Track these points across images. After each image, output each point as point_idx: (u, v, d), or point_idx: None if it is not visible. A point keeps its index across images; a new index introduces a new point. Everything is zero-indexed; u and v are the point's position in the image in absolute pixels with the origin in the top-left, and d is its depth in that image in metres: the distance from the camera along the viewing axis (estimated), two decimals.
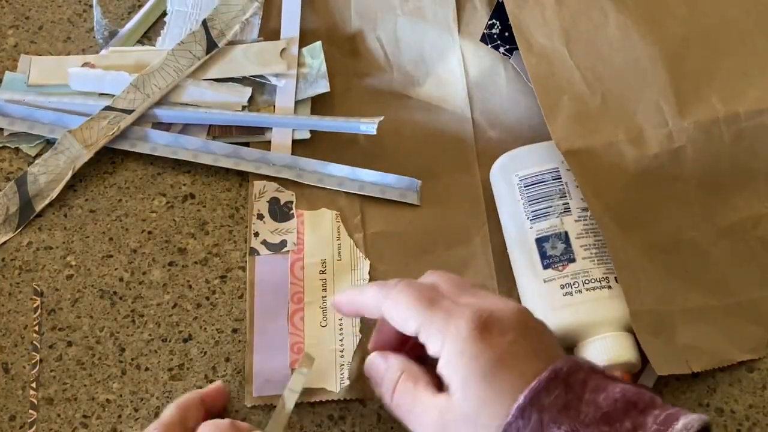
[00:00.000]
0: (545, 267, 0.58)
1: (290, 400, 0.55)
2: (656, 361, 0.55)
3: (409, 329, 0.49)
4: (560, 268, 0.57)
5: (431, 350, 0.48)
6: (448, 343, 0.47)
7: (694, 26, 0.63)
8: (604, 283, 0.56)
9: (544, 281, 0.58)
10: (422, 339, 0.48)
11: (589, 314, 0.56)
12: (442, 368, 0.47)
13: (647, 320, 0.56)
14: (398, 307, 0.50)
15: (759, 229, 0.60)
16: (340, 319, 0.61)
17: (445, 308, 0.48)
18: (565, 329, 0.56)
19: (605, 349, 0.55)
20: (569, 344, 0.57)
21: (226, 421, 0.52)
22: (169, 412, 0.53)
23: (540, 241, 0.59)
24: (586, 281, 0.57)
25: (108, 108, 0.67)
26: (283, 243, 0.64)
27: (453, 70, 0.71)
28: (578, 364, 0.46)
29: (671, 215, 0.59)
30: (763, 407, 0.58)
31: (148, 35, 0.74)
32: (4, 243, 0.64)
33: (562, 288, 0.57)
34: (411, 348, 0.53)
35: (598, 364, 0.47)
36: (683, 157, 0.59)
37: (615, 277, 0.56)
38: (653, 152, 0.59)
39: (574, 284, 0.57)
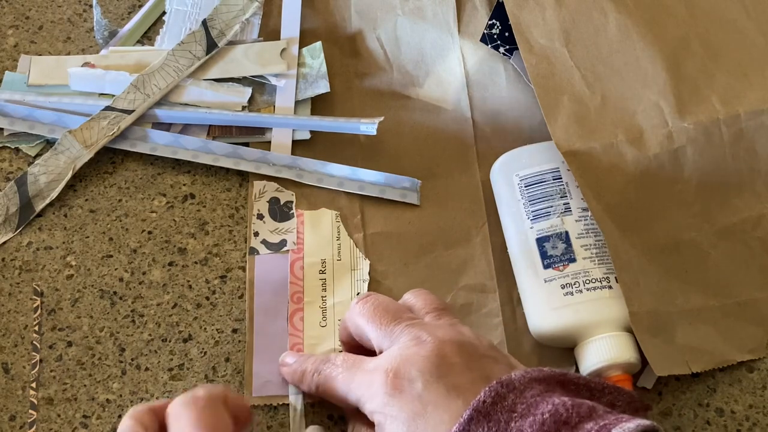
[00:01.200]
0: (546, 267, 0.58)
1: (298, 401, 0.56)
2: (655, 361, 0.55)
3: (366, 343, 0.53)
4: (561, 268, 0.57)
5: (370, 419, 0.50)
6: (375, 414, 0.48)
7: (694, 27, 0.63)
8: (604, 283, 0.56)
9: (545, 281, 0.58)
10: (360, 407, 0.50)
11: (589, 314, 0.56)
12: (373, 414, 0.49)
13: (647, 321, 0.56)
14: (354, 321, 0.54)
15: (759, 230, 0.60)
16: (340, 320, 0.61)
17: (362, 376, 0.50)
18: (565, 329, 0.56)
19: (605, 349, 0.55)
20: (569, 344, 0.57)
21: (219, 388, 0.51)
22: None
23: (540, 241, 0.59)
24: (587, 281, 0.57)
25: (108, 108, 0.67)
26: (283, 243, 0.64)
27: (453, 70, 0.71)
28: (508, 385, 0.45)
29: (671, 216, 0.59)
30: (763, 407, 0.58)
31: (148, 35, 0.74)
32: (4, 243, 0.64)
33: (562, 288, 0.57)
34: None
35: (588, 373, 0.48)
36: (683, 158, 0.59)
37: (615, 277, 0.56)
38: (653, 153, 0.59)
39: (574, 284, 0.57)
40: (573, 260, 0.57)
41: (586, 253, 0.57)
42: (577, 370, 0.57)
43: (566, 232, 0.58)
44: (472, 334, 0.51)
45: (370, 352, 0.53)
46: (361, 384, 0.50)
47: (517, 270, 0.60)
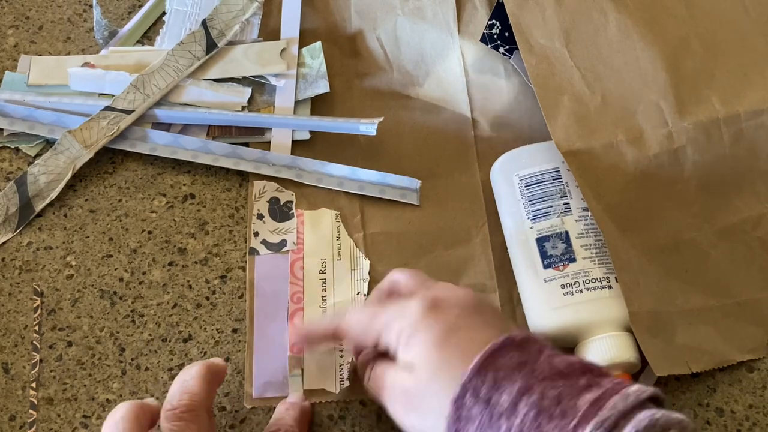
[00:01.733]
0: (546, 267, 0.58)
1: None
2: (655, 361, 0.55)
3: (370, 340, 0.52)
4: (561, 267, 0.57)
5: (391, 347, 0.50)
6: (403, 329, 0.49)
7: (694, 27, 0.63)
8: (604, 283, 0.56)
9: (545, 281, 0.58)
10: (384, 342, 0.51)
11: (589, 314, 0.56)
12: (401, 353, 0.49)
13: (646, 321, 0.56)
14: (355, 324, 0.53)
15: (759, 230, 0.61)
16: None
17: (396, 306, 0.51)
18: (565, 329, 0.56)
19: (605, 348, 0.55)
20: (569, 344, 0.57)
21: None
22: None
23: (540, 241, 0.59)
24: (587, 281, 0.57)
25: (108, 108, 0.67)
26: (283, 243, 0.64)
27: (453, 70, 0.71)
28: (533, 336, 0.48)
29: (671, 216, 0.59)
30: (763, 407, 0.58)
31: (148, 35, 0.74)
32: (4, 243, 0.64)
33: (562, 288, 0.57)
34: None
35: (597, 362, 0.48)
36: (683, 158, 0.59)
37: (615, 277, 0.56)
38: (653, 153, 0.59)
39: (574, 284, 0.57)
40: (573, 260, 0.57)
41: (586, 253, 0.57)
42: None
43: (566, 232, 0.58)
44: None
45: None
46: (392, 311, 0.51)
47: (517, 270, 0.60)
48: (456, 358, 0.46)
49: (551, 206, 0.59)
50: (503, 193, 0.62)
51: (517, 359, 0.45)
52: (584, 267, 0.57)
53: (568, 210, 0.59)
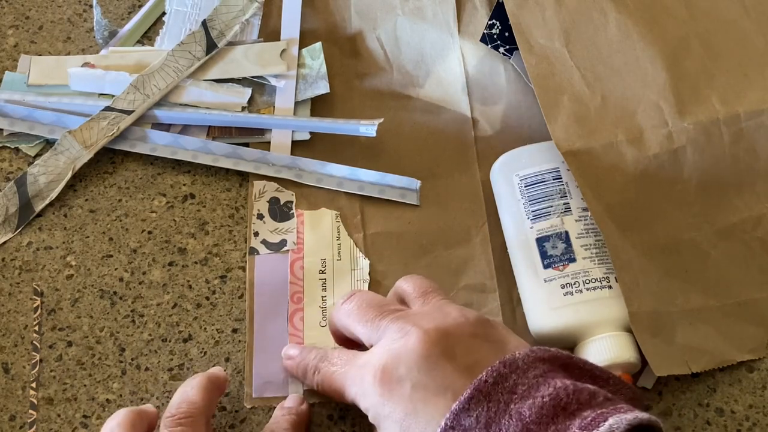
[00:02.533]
0: (546, 267, 0.58)
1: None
2: (655, 361, 0.55)
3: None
4: (561, 267, 0.57)
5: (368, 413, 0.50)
6: (365, 398, 0.49)
7: (694, 27, 0.63)
8: (604, 283, 0.56)
9: (545, 281, 0.58)
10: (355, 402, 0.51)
11: (589, 314, 0.56)
12: (368, 411, 0.49)
13: (646, 321, 0.56)
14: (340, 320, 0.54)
15: (759, 230, 0.60)
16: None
17: (356, 368, 0.51)
18: (565, 329, 0.56)
19: (605, 349, 0.55)
20: (569, 344, 0.57)
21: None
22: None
23: (540, 241, 0.59)
24: (587, 281, 0.57)
25: (108, 108, 0.67)
26: (283, 243, 0.64)
27: (453, 70, 0.71)
28: (511, 364, 0.45)
29: (671, 216, 0.59)
30: (763, 407, 0.58)
31: (148, 35, 0.74)
32: (4, 243, 0.64)
33: (562, 288, 0.57)
34: None
35: (561, 351, 0.47)
36: (683, 158, 0.59)
37: (615, 277, 0.56)
38: (653, 153, 0.59)
39: (574, 284, 0.57)
40: (573, 260, 0.57)
41: (586, 253, 0.57)
42: None
43: (566, 232, 0.58)
44: (459, 313, 0.50)
45: (365, 347, 0.53)
46: (354, 381, 0.50)
47: (517, 270, 0.60)
48: None
49: (551, 206, 0.59)
50: (503, 193, 0.62)
51: (484, 416, 0.44)
52: (584, 267, 0.57)
53: (568, 210, 0.59)
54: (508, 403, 0.44)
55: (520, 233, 0.60)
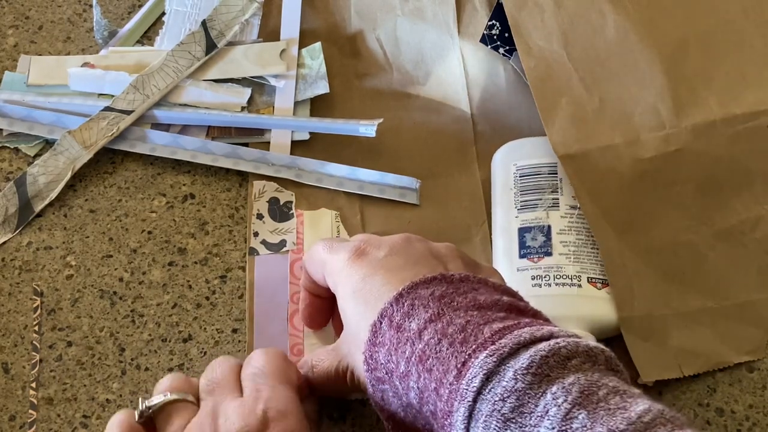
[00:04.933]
0: (521, 256, 0.58)
1: None
2: (643, 366, 0.56)
3: (319, 280, 0.53)
4: (536, 259, 0.58)
5: (337, 295, 0.50)
6: (335, 277, 0.49)
7: (692, 29, 0.63)
8: (574, 281, 0.57)
9: (517, 270, 0.58)
10: (331, 288, 0.51)
11: (553, 308, 0.56)
12: (339, 305, 0.50)
13: (638, 325, 0.56)
14: (311, 262, 0.53)
15: (757, 231, 0.60)
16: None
17: (339, 249, 0.51)
18: None
19: None
20: None
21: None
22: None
23: (522, 231, 0.59)
24: (558, 276, 0.57)
25: (107, 108, 0.67)
26: (283, 243, 0.64)
27: (453, 71, 0.71)
28: (483, 282, 0.46)
29: (668, 218, 0.59)
30: (763, 407, 0.58)
31: (148, 35, 0.74)
32: (4, 243, 0.64)
33: (532, 279, 0.57)
34: None
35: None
36: (680, 160, 0.59)
37: (588, 278, 0.57)
38: (650, 155, 0.59)
39: (545, 277, 0.57)
40: (549, 254, 0.58)
41: (563, 250, 0.58)
42: None
43: (549, 226, 0.59)
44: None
45: (329, 303, 0.55)
46: (335, 254, 0.51)
47: (495, 257, 0.61)
48: (372, 301, 0.46)
49: (540, 199, 0.60)
50: (499, 180, 0.63)
51: (440, 292, 0.45)
52: (558, 262, 0.57)
53: (555, 205, 0.59)
54: (467, 291, 0.45)
55: (505, 220, 0.61)
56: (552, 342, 0.40)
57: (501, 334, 0.41)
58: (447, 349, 0.42)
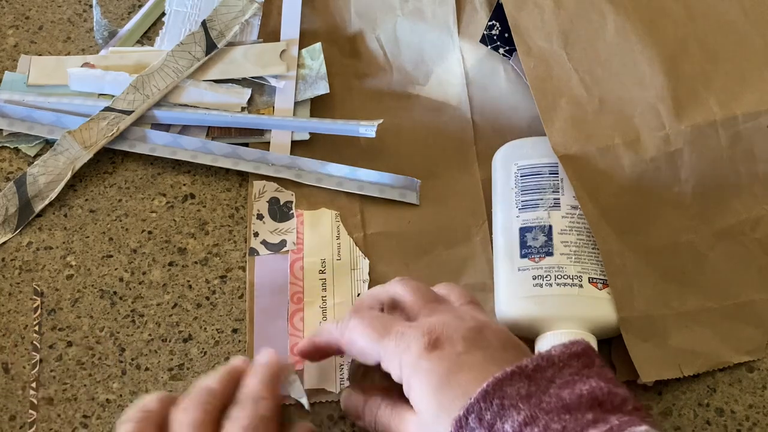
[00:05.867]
0: (522, 256, 0.58)
1: (305, 404, 0.56)
2: (643, 367, 0.56)
3: (371, 362, 0.51)
4: (537, 259, 0.58)
5: (394, 376, 0.49)
6: (404, 366, 0.48)
7: (692, 29, 0.63)
8: (575, 281, 0.57)
9: (519, 269, 0.58)
10: (384, 368, 0.50)
11: (554, 308, 0.56)
12: (406, 391, 0.49)
13: (638, 325, 0.56)
14: (354, 344, 0.52)
15: (757, 231, 0.60)
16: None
17: (397, 334, 0.49)
18: (528, 319, 0.57)
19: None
20: (531, 334, 0.57)
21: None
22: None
23: (523, 231, 0.59)
24: (559, 276, 0.57)
25: (107, 109, 0.67)
26: (283, 243, 0.64)
27: (453, 71, 0.71)
28: (548, 360, 0.46)
29: (668, 218, 0.60)
30: (763, 407, 0.58)
31: (148, 35, 0.74)
32: (4, 243, 0.64)
33: (533, 279, 0.57)
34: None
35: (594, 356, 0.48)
36: (680, 161, 0.59)
37: (589, 278, 0.57)
38: (650, 156, 0.59)
39: (546, 277, 0.57)
40: (550, 254, 0.58)
41: (564, 250, 0.58)
42: None
43: (550, 226, 0.59)
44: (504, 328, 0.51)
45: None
46: (392, 339, 0.49)
47: (496, 257, 0.61)
48: (458, 399, 0.46)
49: (541, 199, 0.60)
50: (500, 180, 0.62)
51: (525, 389, 0.45)
52: (559, 262, 0.57)
53: (556, 205, 0.59)
54: (547, 387, 0.45)
55: (506, 220, 0.60)
56: None
57: None
58: None
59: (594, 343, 0.56)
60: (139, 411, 0.50)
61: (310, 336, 0.56)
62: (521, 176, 0.61)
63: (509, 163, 0.62)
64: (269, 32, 0.73)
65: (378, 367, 0.51)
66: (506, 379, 0.45)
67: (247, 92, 0.69)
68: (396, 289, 0.54)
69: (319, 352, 0.55)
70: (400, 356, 0.48)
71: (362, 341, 0.51)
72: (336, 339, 0.53)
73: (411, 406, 0.49)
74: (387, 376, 0.50)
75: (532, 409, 0.44)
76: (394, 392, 0.51)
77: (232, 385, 0.53)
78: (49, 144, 0.68)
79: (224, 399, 0.52)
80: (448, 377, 0.47)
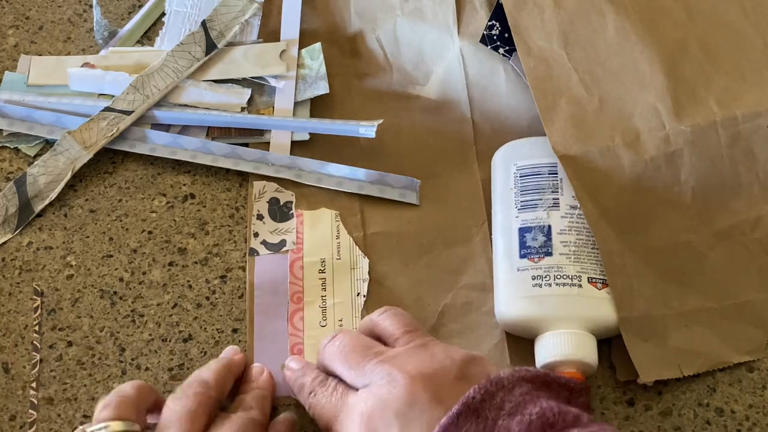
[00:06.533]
0: (522, 256, 0.58)
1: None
2: (642, 367, 0.56)
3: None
4: (536, 259, 0.58)
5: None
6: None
7: (692, 29, 0.63)
8: (575, 281, 0.57)
9: (518, 270, 0.58)
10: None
11: (553, 308, 0.56)
12: None
13: (638, 326, 0.56)
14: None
15: (757, 231, 0.60)
16: (340, 320, 0.61)
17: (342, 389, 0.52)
18: (528, 318, 0.57)
19: (559, 344, 0.55)
20: (531, 334, 0.57)
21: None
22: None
23: (522, 231, 0.59)
24: (558, 276, 0.57)
25: (107, 109, 0.67)
26: (283, 243, 0.64)
27: (453, 71, 0.71)
28: (497, 383, 0.46)
29: (668, 219, 0.59)
30: (763, 407, 0.58)
31: (148, 35, 0.74)
32: (4, 243, 0.64)
33: (533, 279, 0.57)
34: None
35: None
36: (680, 161, 0.59)
37: (588, 278, 0.57)
38: (650, 156, 0.59)
39: (545, 277, 0.57)
40: (549, 254, 0.58)
41: (564, 250, 0.58)
42: None
43: (549, 226, 0.59)
44: (444, 354, 0.51)
45: None
46: (342, 422, 0.50)
47: (495, 257, 0.61)
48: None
49: (540, 199, 0.60)
50: (499, 180, 0.62)
51: (473, 430, 0.45)
52: (558, 262, 0.57)
53: (556, 205, 0.59)
54: (495, 420, 0.45)
55: (505, 220, 0.60)
56: None
57: None
58: None
59: (594, 344, 0.56)
60: (116, 396, 0.51)
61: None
62: (520, 176, 0.61)
63: (508, 164, 0.62)
64: (269, 32, 0.73)
65: None
66: (452, 425, 0.45)
67: (247, 92, 0.69)
68: (376, 317, 0.56)
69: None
70: (346, 428, 0.50)
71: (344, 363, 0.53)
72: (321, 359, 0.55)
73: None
74: None
75: None
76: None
77: (229, 378, 0.55)
78: (49, 144, 0.68)
79: (218, 391, 0.53)
80: (397, 419, 0.47)
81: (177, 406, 0.51)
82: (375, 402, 0.49)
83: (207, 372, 0.54)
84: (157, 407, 0.53)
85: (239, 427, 0.51)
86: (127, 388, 0.52)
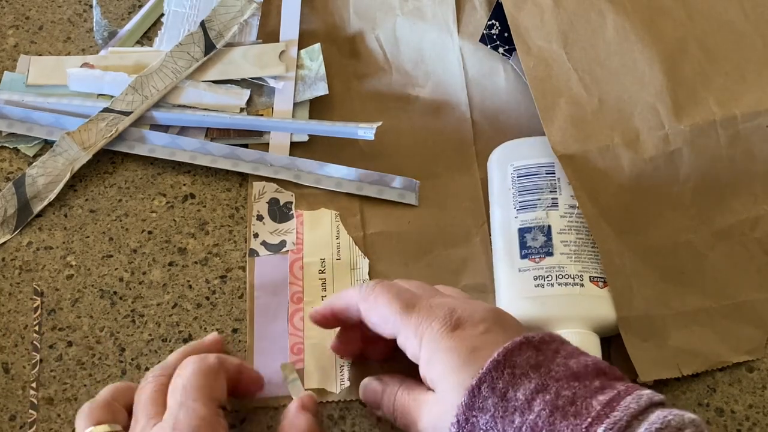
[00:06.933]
0: (523, 257, 0.58)
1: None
2: (642, 367, 0.56)
3: (386, 332, 0.52)
4: (537, 260, 0.58)
5: (410, 353, 0.50)
6: (424, 344, 0.49)
7: (692, 29, 0.63)
8: (576, 281, 0.57)
9: (519, 270, 0.58)
10: (400, 342, 0.51)
11: (556, 308, 0.57)
12: (423, 369, 0.50)
13: (637, 325, 0.56)
14: (376, 310, 0.52)
15: (757, 231, 0.61)
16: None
17: (419, 310, 0.50)
18: (530, 319, 0.57)
19: None
20: None
21: (212, 356, 0.53)
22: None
23: (522, 231, 0.59)
24: (560, 276, 0.57)
25: (106, 110, 0.67)
26: (283, 243, 0.64)
27: (452, 71, 0.71)
28: (551, 336, 0.48)
29: (667, 218, 0.60)
30: (763, 407, 0.58)
31: (148, 36, 0.74)
32: (4, 243, 0.64)
33: (534, 279, 0.57)
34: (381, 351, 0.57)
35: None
36: (679, 160, 0.59)
37: (590, 277, 0.57)
38: (649, 155, 0.59)
39: (547, 277, 0.57)
40: (550, 254, 0.58)
41: (564, 249, 0.58)
42: None
43: (549, 226, 0.59)
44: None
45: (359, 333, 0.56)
46: (415, 315, 0.50)
47: (495, 258, 0.61)
48: (476, 374, 0.47)
49: (539, 199, 0.60)
50: (496, 181, 0.63)
51: (534, 359, 0.46)
52: (560, 262, 0.57)
53: (554, 205, 0.59)
54: (555, 356, 0.47)
55: (504, 221, 0.61)
56: (660, 414, 0.43)
57: (611, 407, 0.44)
58: (560, 422, 0.44)
59: (597, 342, 0.56)
60: (89, 403, 0.52)
61: (328, 300, 0.57)
62: (518, 177, 0.61)
63: (505, 164, 0.62)
64: (268, 33, 0.73)
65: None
66: (515, 350, 0.46)
67: (246, 93, 0.69)
68: (401, 283, 0.55)
69: (333, 318, 0.56)
70: (422, 333, 0.49)
71: (384, 310, 0.52)
72: (356, 302, 0.53)
73: (427, 389, 0.50)
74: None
75: (542, 377, 0.45)
76: (410, 379, 0.52)
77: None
78: (48, 144, 0.68)
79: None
80: (468, 356, 0.47)
81: (142, 395, 0.52)
82: (463, 307, 0.50)
83: (171, 356, 0.56)
84: None
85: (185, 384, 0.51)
86: (100, 393, 0.54)
